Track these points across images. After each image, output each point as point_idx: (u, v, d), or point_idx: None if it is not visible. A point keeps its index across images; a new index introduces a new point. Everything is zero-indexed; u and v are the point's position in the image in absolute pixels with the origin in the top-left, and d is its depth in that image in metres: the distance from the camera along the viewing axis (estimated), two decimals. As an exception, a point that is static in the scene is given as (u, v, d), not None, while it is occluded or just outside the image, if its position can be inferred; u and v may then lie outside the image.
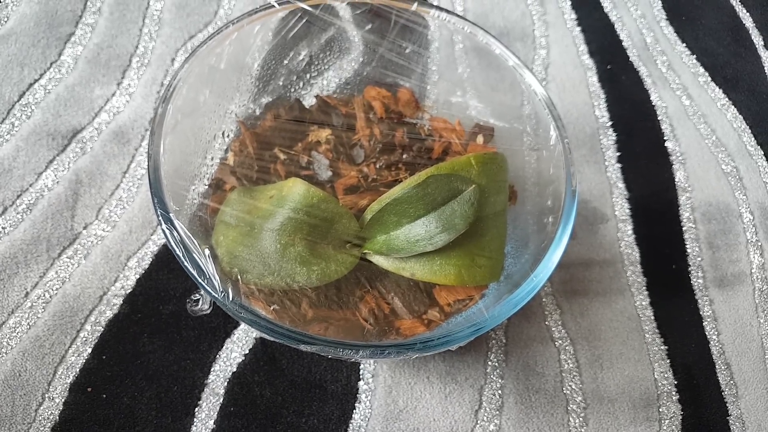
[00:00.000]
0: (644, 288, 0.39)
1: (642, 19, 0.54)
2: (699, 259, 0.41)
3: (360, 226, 0.29)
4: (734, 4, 0.56)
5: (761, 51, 0.53)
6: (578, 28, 0.52)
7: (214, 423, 0.32)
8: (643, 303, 0.39)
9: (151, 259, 0.36)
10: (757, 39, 0.54)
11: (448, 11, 0.33)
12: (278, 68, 0.35)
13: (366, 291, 0.29)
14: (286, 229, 0.27)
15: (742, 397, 0.36)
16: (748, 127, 0.48)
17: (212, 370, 0.33)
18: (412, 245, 0.27)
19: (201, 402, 0.32)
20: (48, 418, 0.31)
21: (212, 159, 0.32)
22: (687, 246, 0.41)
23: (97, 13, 0.46)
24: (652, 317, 0.38)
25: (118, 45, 0.44)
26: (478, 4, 0.52)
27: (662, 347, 0.37)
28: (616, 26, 0.53)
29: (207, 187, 0.32)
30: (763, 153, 0.47)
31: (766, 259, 0.42)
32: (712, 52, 0.52)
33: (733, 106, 0.49)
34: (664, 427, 0.35)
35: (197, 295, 0.27)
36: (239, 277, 0.27)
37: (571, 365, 0.36)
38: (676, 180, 0.44)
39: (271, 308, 0.27)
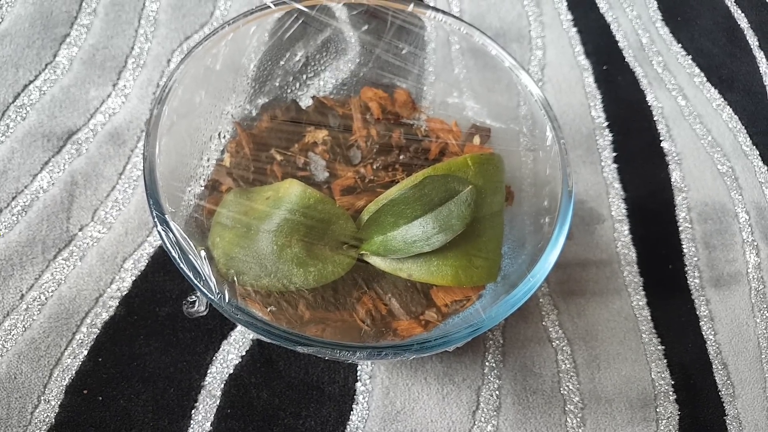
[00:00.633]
0: (641, 288, 0.39)
1: (638, 20, 0.54)
2: (695, 259, 0.41)
3: (357, 227, 0.29)
4: (729, 5, 0.56)
5: (756, 51, 0.53)
6: (574, 29, 0.52)
7: (211, 425, 0.32)
8: (640, 303, 0.39)
9: (147, 261, 0.36)
10: (752, 39, 0.54)
11: (444, 12, 0.33)
12: (274, 69, 0.35)
13: (363, 292, 0.29)
14: (283, 231, 0.27)
15: (739, 397, 0.36)
16: (743, 127, 0.48)
17: (209, 372, 0.33)
18: (409, 246, 0.27)
19: (198, 404, 0.32)
20: (44, 421, 0.31)
21: (208, 160, 0.32)
22: (683, 246, 0.42)
23: (93, 14, 0.45)
24: (649, 317, 0.38)
25: (114, 46, 0.44)
26: (474, 5, 0.52)
27: (659, 347, 0.37)
28: (611, 27, 0.53)
29: (203, 188, 0.32)
30: (758, 153, 0.47)
31: (762, 258, 0.42)
32: (707, 52, 0.52)
33: (728, 107, 0.49)
34: (661, 427, 0.35)
35: (193, 296, 0.27)
36: (236, 278, 0.27)
37: (568, 365, 0.36)
38: (672, 180, 0.44)
39: (268, 310, 0.27)
